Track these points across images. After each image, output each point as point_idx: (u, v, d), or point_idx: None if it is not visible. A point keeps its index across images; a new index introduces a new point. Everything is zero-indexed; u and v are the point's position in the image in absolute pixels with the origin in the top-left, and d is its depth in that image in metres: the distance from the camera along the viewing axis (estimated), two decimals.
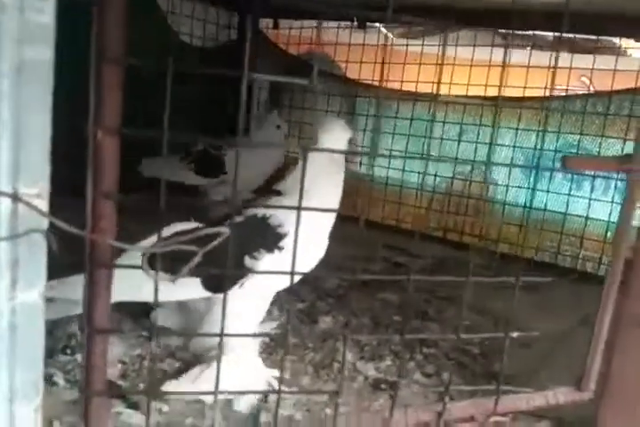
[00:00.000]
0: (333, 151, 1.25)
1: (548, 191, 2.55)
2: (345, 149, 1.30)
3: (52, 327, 1.27)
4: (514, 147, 2.64)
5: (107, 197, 0.74)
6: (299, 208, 0.72)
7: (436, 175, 2.82)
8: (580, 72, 2.57)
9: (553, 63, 2.46)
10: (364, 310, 1.65)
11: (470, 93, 2.73)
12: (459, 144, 2.78)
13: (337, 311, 1.60)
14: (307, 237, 1.21)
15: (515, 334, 1.02)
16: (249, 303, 1.23)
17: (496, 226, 2.70)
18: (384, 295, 1.74)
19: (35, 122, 0.66)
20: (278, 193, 1.25)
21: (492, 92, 2.65)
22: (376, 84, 2.91)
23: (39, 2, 0.62)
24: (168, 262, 0.75)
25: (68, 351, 1.21)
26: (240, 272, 1.17)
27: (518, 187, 2.64)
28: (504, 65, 2.34)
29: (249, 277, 1.17)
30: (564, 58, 2.49)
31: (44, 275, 0.69)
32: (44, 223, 0.68)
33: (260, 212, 1.21)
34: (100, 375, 0.77)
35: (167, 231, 1.16)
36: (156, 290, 0.74)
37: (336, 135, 1.30)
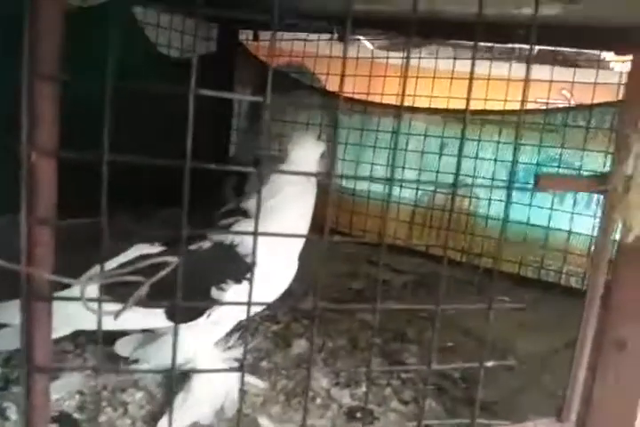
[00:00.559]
0: (304, 174, 1.20)
1: (530, 205, 2.53)
2: (316, 163, 1.24)
3: (8, 356, 1.20)
4: (495, 160, 2.62)
5: (43, 224, 0.67)
6: (255, 233, 0.66)
7: (417, 189, 2.78)
8: (561, 85, 2.55)
9: (531, 76, 2.45)
10: (342, 331, 1.59)
11: (452, 106, 2.70)
12: (440, 157, 2.75)
13: (308, 335, 1.54)
14: (275, 263, 1.16)
15: (489, 364, 0.96)
16: (212, 329, 1.17)
17: (479, 240, 2.66)
18: (363, 316, 1.68)
19: None
20: (244, 214, 1.18)
21: (474, 105, 2.63)
22: (357, 96, 2.86)
23: None
24: (126, 289, 0.70)
25: None
26: (205, 304, 1.11)
27: (500, 201, 2.61)
28: (487, 78, 2.31)
29: (216, 308, 1.11)
30: (545, 71, 2.48)
31: None
32: None
33: (228, 238, 1.14)
34: (41, 416, 0.71)
35: (131, 254, 1.11)
36: (100, 322, 0.67)
37: (307, 150, 1.24)
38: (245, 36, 3.31)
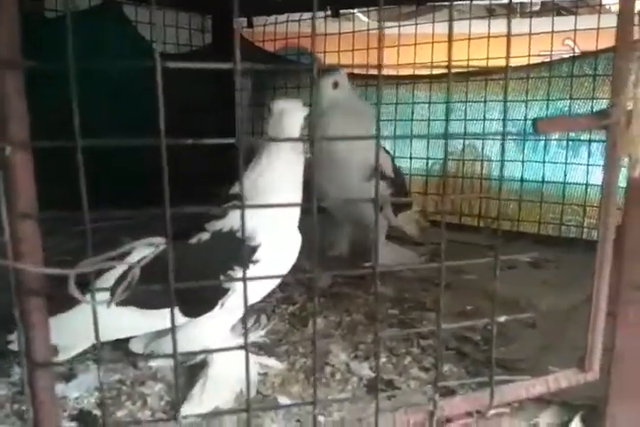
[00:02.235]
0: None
1: (544, 162, 2.47)
2: (300, 128, 1.21)
3: None
4: (503, 120, 2.55)
5: (25, 217, 0.68)
6: (243, 206, 0.65)
7: (427, 158, 2.74)
8: (564, 35, 2.46)
9: (533, 29, 2.36)
10: (359, 306, 1.59)
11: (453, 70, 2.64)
12: (447, 124, 2.68)
13: (329, 311, 1.54)
14: (278, 240, 1.16)
15: (502, 318, 0.95)
16: (226, 316, 1.17)
17: (495, 204, 2.62)
18: (379, 289, 1.67)
19: None
20: (236, 198, 1.16)
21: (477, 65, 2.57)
22: (356, 71, 2.82)
23: None
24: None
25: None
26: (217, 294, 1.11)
27: (512, 161, 2.56)
28: (487, 36, 2.24)
29: (228, 296, 1.12)
30: (546, 22, 2.40)
31: None
32: None
33: (226, 226, 1.13)
34: (49, 412, 0.72)
35: (135, 256, 1.10)
36: (96, 323, 0.67)
37: (289, 115, 1.20)
38: (239, 24, 3.28)
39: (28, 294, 0.69)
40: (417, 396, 1.11)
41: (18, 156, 0.66)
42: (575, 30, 2.34)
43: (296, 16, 3.11)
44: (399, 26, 2.82)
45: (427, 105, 2.72)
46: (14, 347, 1.02)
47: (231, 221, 1.13)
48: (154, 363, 1.20)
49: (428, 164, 2.74)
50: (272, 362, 1.24)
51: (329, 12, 3.08)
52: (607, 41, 2.28)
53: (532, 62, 2.45)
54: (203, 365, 1.17)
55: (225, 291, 1.11)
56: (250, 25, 3.29)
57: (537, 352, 1.31)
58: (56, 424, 0.72)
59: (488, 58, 2.48)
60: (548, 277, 1.85)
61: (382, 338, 1.30)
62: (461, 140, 2.72)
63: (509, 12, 2.58)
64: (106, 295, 0.69)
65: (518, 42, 2.40)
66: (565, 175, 2.40)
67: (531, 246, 2.29)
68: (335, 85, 1.91)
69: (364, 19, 3.47)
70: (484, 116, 2.57)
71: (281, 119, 1.19)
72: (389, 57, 2.78)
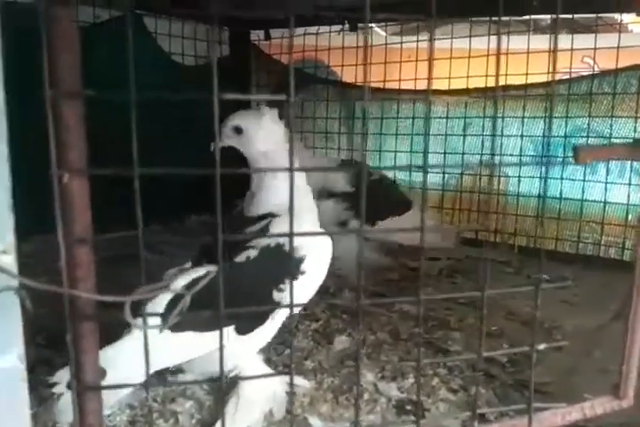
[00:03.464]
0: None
1: (562, 178, 2.47)
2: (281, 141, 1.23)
3: None
4: (521, 136, 2.56)
5: (81, 243, 0.69)
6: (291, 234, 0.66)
7: (444, 173, 2.74)
8: (583, 53, 2.47)
9: (552, 46, 2.38)
10: (382, 324, 1.59)
11: (471, 85, 2.65)
12: (464, 139, 2.71)
13: (353, 329, 1.54)
14: (318, 250, 1.18)
15: (541, 346, 0.95)
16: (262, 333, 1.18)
17: (512, 220, 2.62)
18: (402, 306, 1.67)
19: None
20: (272, 215, 1.19)
21: (493, 82, 2.58)
22: (374, 85, 2.83)
23: None
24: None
25: None
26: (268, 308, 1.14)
27: (530, 177, 2.56)
28: (506, 53, 2.25)
29: (278, 311, 1.14)
30: (565, 39, 2.41)
31: (21, 338, 0.64)
32: (14, 281, 0.63)
33: (270, 241, 1.15)
34: None
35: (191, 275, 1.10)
36: (146, 340, 0.68)
37: (266, 128, 1.23)
38: (256, 36, 3.31)
39: (82, 319, 0.70)
40: (448, 420, 1.11)
41: (75, 182, 0.67)
42: (595, 48, 2.36)
43: (313, 29, 3.13)
44: (417, 41, 2.84)
45: (444, 119, 2.73)
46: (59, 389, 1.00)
47: (274, 236, 1.16)
48: (188, 383, 1.20)
49: (444, 178, 2.75)
50: (300, 381, 1.24)
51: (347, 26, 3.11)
52: (626, 59, 2.30)
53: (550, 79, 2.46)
54: (231, 383, 1.17)
55: (277, 304, 1.13)
56: (267, 37, 3.31)
57: (564, 375, 1.31)
58: None
59: (507, 74, 2.50)
60: (567, 296, 1.85)
61: (410, 359, 1.30)
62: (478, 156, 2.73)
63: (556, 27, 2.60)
64: (158, 321, 0.70)
65: (535, 59, 2.44)
66: (583, 192, 2.40)
67: (548, 264, 2.29)
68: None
69: (382, 33, 3.49)
70: (502, 131, 2.58)
71: (258, 135, 1.22)
72: (408, 71, 2.80)
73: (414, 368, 1.30)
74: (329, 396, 1.21)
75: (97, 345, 0.71)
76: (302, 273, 1.14)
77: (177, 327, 1.00)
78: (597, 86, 2.36)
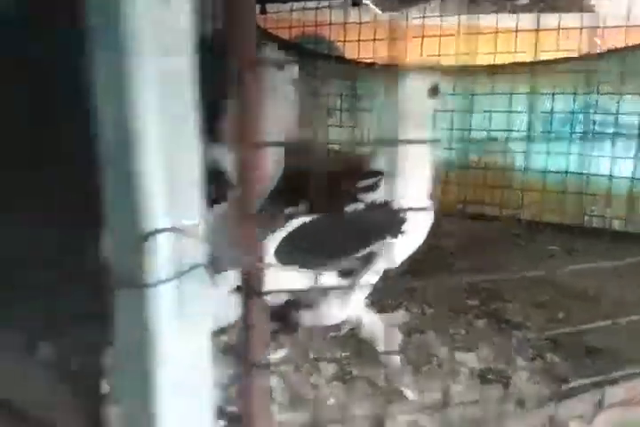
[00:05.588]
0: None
1: (568, 153, 2.53)
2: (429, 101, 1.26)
3: None
4: (528, 112, 2.60)
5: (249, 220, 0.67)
6: None
7: (450, 149, 2.77)
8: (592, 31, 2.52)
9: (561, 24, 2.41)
10: (434, 296, 1.61)
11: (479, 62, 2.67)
12: (471, 116, 2.73)
13: (407, 303, 1.55)
14: (419, 213, 1.20)
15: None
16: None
17: (517, 193, 2.67)
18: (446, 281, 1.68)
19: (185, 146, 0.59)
20: (380, 173, 1.23)
21: (503, 59, 2.60)
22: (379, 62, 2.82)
23: None
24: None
25: None
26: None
27: (536, 153, 2.61)
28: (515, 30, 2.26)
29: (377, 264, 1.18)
30: (575, 18, 2.45)
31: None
32: (203, 256, 0.61)
33: (377, 197, 1.20)
34: (266, 413, 0.72)
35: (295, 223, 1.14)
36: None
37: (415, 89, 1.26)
38: None
39: (251, 294, 0.68)
40: (532, 386, 1.14)
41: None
42: (603, 27, 2.41)
43: (312, 4, 3.07)
44: (423, 17, 2.83)
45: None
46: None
47: (382, 194, 1.21)
48: None
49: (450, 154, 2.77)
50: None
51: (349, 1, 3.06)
52: (636, 37, 2.36)
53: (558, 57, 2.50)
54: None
55: (375, 256, 1.18)
56: (263, 11, 3.22)
57: (616, 341, 1.36)
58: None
59: (515, 51, 2.54)
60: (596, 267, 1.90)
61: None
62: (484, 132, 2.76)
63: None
64: None
65: (544, 36, 2.48)
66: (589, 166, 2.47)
67: (555, 236, 2.37)
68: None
69: (378, 11, 3.44)
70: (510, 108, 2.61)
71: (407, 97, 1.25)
72: (414, 48, 2.79)
73: (485, 338, 1.33)
74: (408, 368, 1.22)
75: (266, 322, 0.71)
76: (402, 233, 1.19)
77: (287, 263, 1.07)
78: (605, 64, 2.42)
